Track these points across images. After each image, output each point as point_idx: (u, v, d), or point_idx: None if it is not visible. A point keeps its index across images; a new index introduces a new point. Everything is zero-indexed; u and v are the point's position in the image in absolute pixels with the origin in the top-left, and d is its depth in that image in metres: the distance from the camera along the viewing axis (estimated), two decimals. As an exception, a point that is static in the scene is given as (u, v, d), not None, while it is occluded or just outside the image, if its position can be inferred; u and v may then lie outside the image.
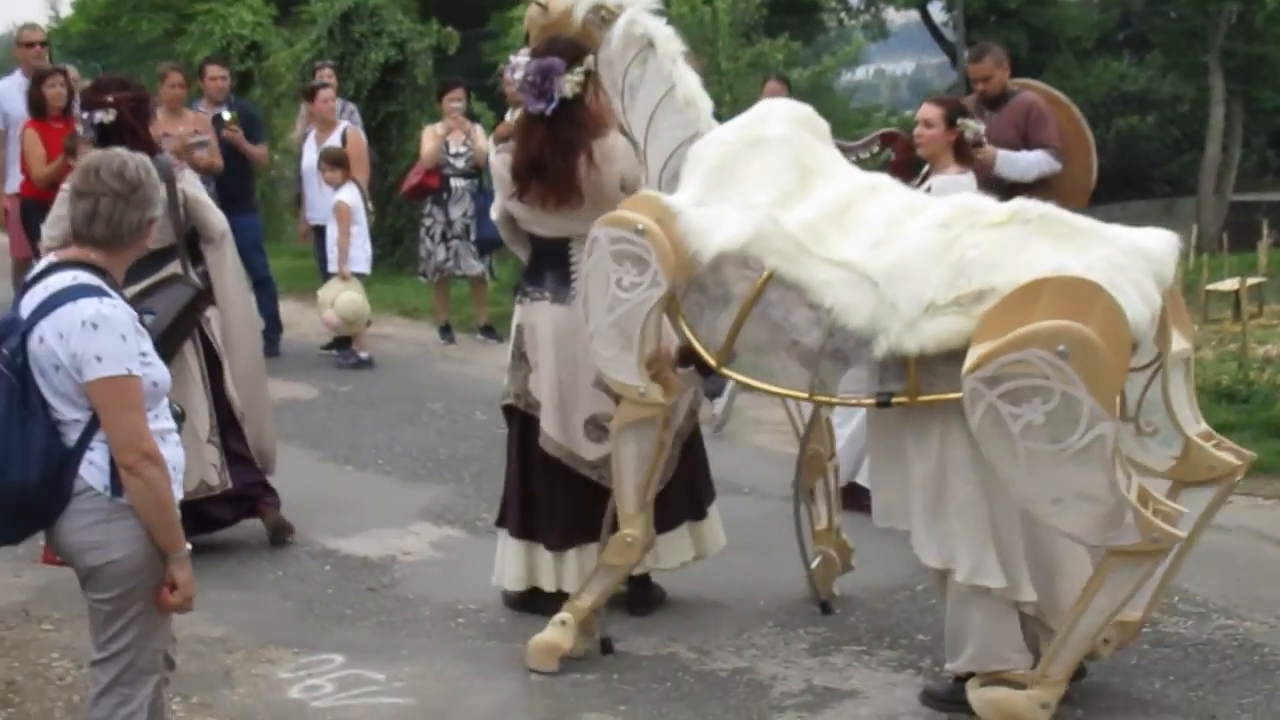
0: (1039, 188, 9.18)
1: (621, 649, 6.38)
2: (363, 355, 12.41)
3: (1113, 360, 5.05)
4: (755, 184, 5.83)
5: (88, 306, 4.32)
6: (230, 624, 6.65)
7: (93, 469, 4.39)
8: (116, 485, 4.38)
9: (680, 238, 5.74)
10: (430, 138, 12.80)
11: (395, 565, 7.47)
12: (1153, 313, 5.30)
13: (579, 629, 6.23)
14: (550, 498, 6.60)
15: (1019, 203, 5.58)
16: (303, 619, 6.84)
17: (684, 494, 6.52)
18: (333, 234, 12.26)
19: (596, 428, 6.48)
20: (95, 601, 4.53)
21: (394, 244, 16.15)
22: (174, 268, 7.19)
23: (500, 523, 6.84)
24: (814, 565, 6.88)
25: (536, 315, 6.61)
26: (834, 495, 6.94)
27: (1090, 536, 5.29)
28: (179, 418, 4.78)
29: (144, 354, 4.45)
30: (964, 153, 7.67)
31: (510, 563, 6.72)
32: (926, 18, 34.89)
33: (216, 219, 7.53)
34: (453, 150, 12.54)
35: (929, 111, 7.77)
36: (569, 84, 6.30)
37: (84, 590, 4.56)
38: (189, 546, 4.55)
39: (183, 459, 4.68)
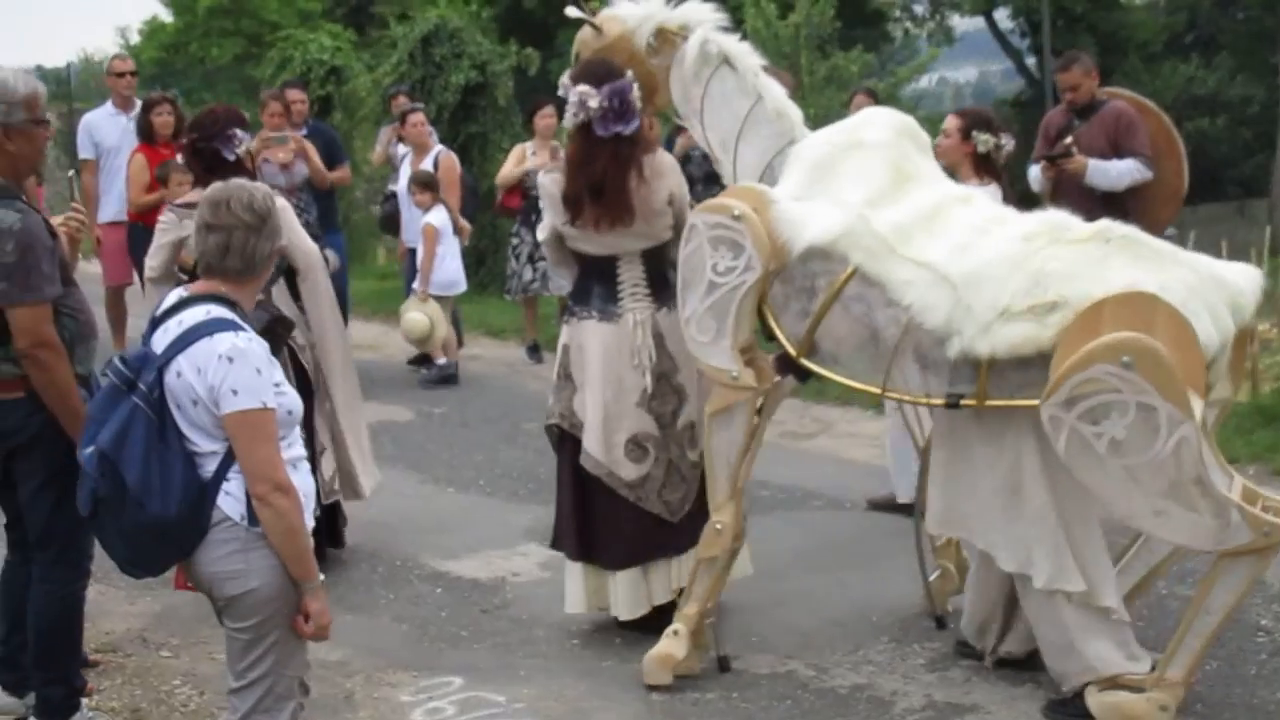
0: (1131, 196, 9.18)
1: (739, 667, 6.40)
2: (440, 361, 12.55)
3: (1180, 363, 5.09)
4: (850, 183, 5.97)
5: (223, 341, 4.37)
6: (348, 648, 6.68)
7: (230, 499, 4.44)
8: (253, 515, 4.43)
9: (774, 226, 5.88)
10: (517, 158, 12.86)
11: (506, 586, 7.50)
12: (1224, 338, 5.39)
13: (691, 640, 6.26)
14: (611, 515, 6.62)
15: (1103, 223, 5.66)
16: (418, 641, 6.89)
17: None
18: (421, 255, 12.38)
19: (637, 447, 6.57)
20: (233, 630, 4.57)
21: (478, 264, 16.17)
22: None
23: (555, 545, 6.91)
24: (932, 579, 6.87)
25: (584, 334, 6.67)
26: None
27: (1201, 542, 5.31)
28: (309, 444, 4.84)
29: (277, 384, 4.50)
30: (984, 166, 7.63)
31: (574, 586, 6.75)
32: (992, 24, 34.74)
33: (305, 249, 7.62)
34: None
35: (949, 122, 7.76)
36: (638, 101, 6.48)
37: (221, 620, 4.62)
38: (322, 576, 4.60)
39: (314, 487, 4.75)
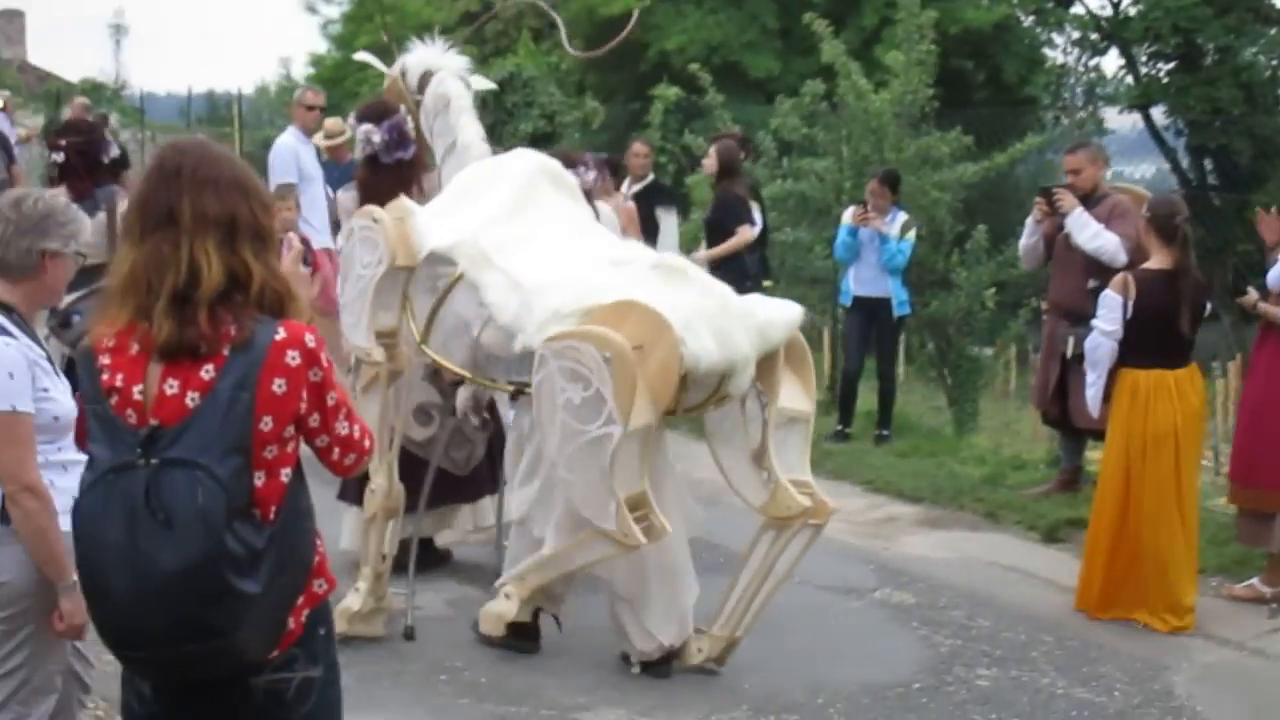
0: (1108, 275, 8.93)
1: (587, 718, 6.42)
2: None
3: (647, 383, 6.12)
4: (480, 204, 7.13)
5: None
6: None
7: None
8: (3, 513, 4.56)
9: (410, 233, 6.92)
10: None
11: (404, 617, 7.46)
12: (728, 357, 6.38)
13: (372, 594, 7.17)
14: (407, 470, 7.43)
15: (667, 255, 7.17)
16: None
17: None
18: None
19: (423, 413, 7.64)
20: (-9, 621, 4.72)
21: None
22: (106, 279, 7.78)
23: (342, 496, 7.99)
24: None
25: None
26: None
27: (585, 510, 6.30)
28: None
29: (45, 390, 4.62)
30: None
31: (350, 527, 7.95)
32: (1148, 120, 34.12)
33: None
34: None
35: None
36: (413, 129, 7.85)
37: None
38: (74, 577, 4.69)
39: (89, 488, 4.84)
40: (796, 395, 6.85)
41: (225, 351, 3.53)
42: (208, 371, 3.52)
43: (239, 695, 3.67)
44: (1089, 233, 9.24)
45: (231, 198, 3.62)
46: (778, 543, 6.81)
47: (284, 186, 11.17)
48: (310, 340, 3.62)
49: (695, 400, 6.60)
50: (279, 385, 3.56)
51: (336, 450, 3.78)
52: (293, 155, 12.28)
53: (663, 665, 6.85)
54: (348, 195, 8.01)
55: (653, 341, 6.18)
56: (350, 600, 7.05)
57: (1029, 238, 10.05)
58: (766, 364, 6.66)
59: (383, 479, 7.07)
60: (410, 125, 7.88)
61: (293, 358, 3.58)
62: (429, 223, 7.04)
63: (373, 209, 7.08)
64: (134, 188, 3.76)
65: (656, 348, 6.18)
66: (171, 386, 3.52)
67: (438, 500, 7.88)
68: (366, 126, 7.85)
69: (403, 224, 6.96)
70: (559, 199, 7.41)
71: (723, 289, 6.71)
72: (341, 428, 3.76)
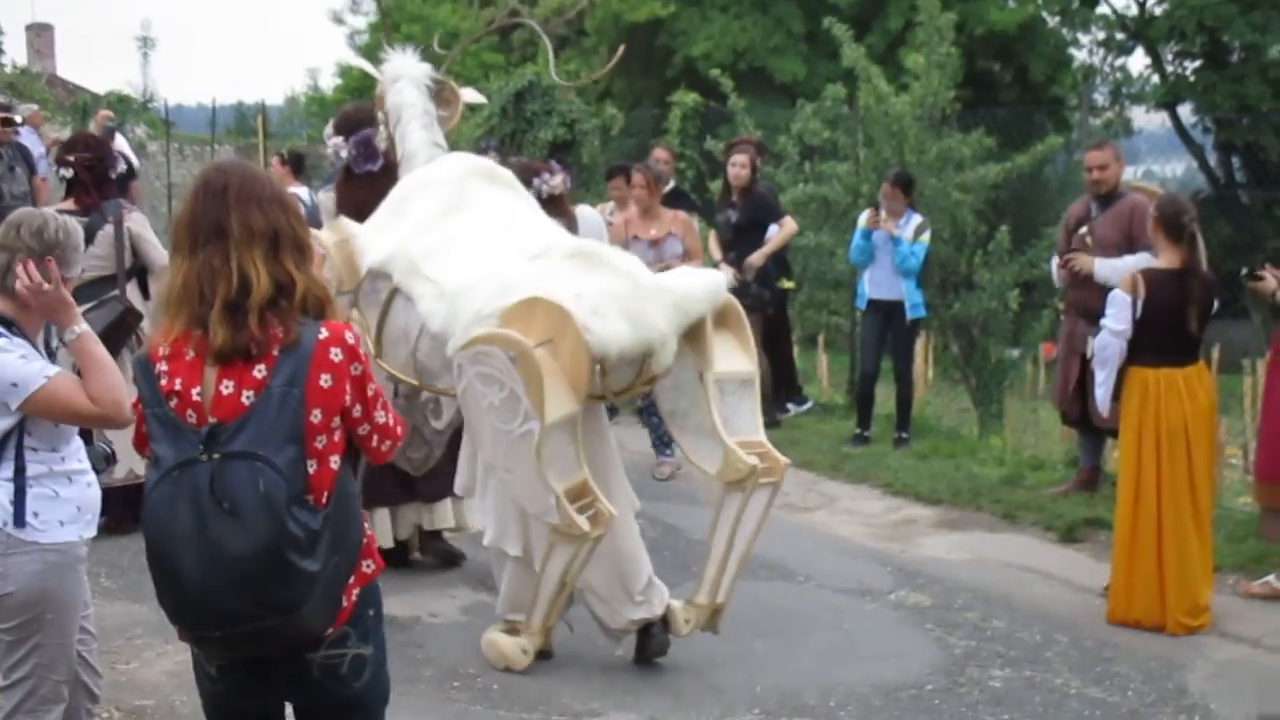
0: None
1: (598, 723, 6.44)
2: None
3: (563, 374, 6.35)
4: (411, 213, 7.30)
5: None
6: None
7: None
8: (18, 518, 4.64)
9: (352, 255, 7.23)
10: None
11: (418, 625, 7.56)
12: (643, 337, 6.50)
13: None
14: (366, 467, 7.51)
15: (582, 242, 7.28)
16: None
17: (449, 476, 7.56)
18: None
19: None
20: (0, 630, 4.77)
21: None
22: (115, 291, 8.17)
23: None
24: None
25: None
26: None
27: (533, 508, 6.51)
28: (107, 459, 5.02)
29: None
30: None
31: None
32: (1175, 119, 34.06)
33: (159, 255, 8.46)
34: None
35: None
36: (384, 142, 8.00)
37: None
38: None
39: (94, 499, 4.91)
40: (738, 358, 6.99)
41: (275, 352, 3.83)
42: (260, 371, 3.81)
43: (298, 672, 3.94)
44: (1119, 273, 9.24)
45: (273, 212, 3.92)
46: (737, 506, 6.85)
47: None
48: (350, 337, 3.94)
49: (622, 382, 6.78)
50: (325, 380, 3.86)
51: (376, 438, 4.07)
52: None
53: (653, 642, 6.97)
54: (328, 196, 8.32)
55: (559, 333, 6.38)
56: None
57: (1061, 283, 10.11)
58: (695, 334, 6.81)
59: None
60: (380, 138, 8.06)
61: (336, 354, 3.89)
62: (368, 240, 7.30)
63: (318, 234, 7.23)
64: (180, 206, 4.05)
65: (564, 339, 6.38)
66: (227, 387, 3.82)
67: (392, 499, 8.13)
68: (336, 140, 8.14)
69: (345, 246, 7.28)
70: (495, 194, 7.49)
71: (637, 270, 6.83)
72: (380, 416, 4.06)
